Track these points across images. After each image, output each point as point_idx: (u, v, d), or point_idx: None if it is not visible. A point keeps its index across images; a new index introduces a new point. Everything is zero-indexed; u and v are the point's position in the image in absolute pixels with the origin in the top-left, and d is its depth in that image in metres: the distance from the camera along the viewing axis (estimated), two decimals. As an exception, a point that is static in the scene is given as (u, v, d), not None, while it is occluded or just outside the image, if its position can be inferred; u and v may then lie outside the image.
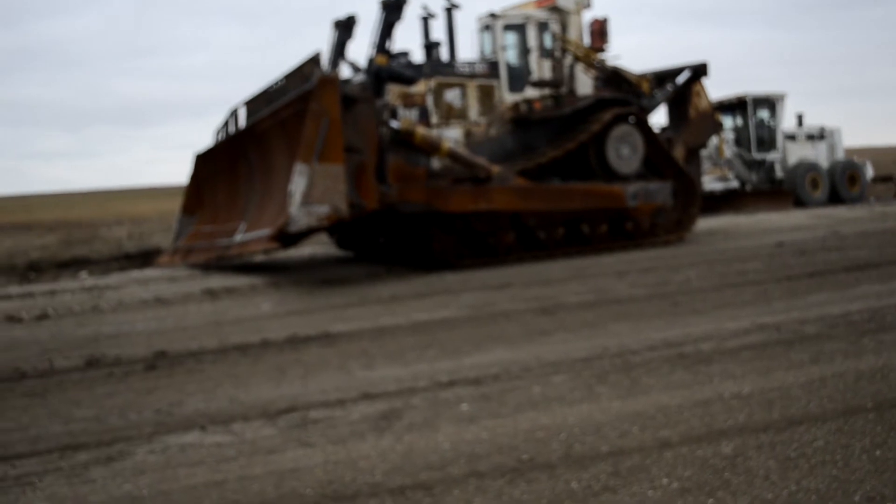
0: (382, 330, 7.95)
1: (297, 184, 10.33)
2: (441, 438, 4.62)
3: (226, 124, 14.24)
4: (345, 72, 14.30)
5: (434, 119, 13.37)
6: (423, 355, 6.79)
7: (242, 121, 13.62)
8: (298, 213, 10.30)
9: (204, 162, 15.19)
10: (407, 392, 5.63)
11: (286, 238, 10.75)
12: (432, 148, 12.34)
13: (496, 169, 12.98)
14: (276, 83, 12.51)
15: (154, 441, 4.89)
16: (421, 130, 12.22)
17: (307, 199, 10.34)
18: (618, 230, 14.29)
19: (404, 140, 12.11)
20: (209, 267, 13.17)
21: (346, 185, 10.72)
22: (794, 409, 4.86)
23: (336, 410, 5.29)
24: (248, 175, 13.50)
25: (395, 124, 11.99)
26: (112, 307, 10.19)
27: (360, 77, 13.48)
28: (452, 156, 12.54)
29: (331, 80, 10.78)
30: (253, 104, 13.33)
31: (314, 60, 11.31)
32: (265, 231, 11.41)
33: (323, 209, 10.47)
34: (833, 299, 8.44)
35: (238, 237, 12.61)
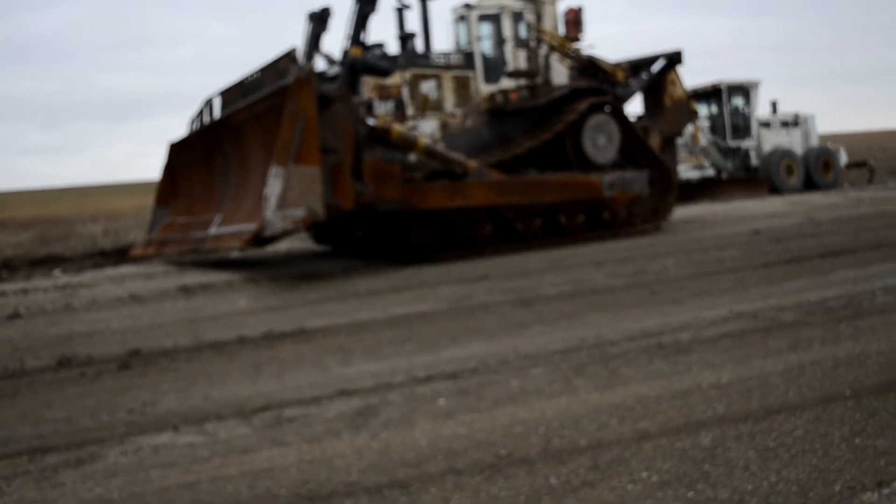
0: (359, 325, 7.88)
1: (273, 187, 10.21)
2: (418, 435, 4.57)
3: (200, 114, 14.06)
4: (320, 64, 14.18)
5: (410, 111, 13.27)
6: (401, 350, 6.73)
7: (217, 111, 13.44)
8: (274, 217, 10.17)
9: (178, 152, 14.95)
10: (384, 388, 5.57)
11: (261, 241, 10.62)
12: (409, 145, 12.25)
13: (473, 164, 12.91)
14: (252, 75, 12.36)
15: (126, 442, 4.81)
16: (397, 127, 12.11)
17: (283, 203, 10.22)
18: (595, 220, 14.27)
19: (380, 137, 12.01)
20: (185, 263, 13.01)
21: (322, 186, 10.61)
22: (773, 398, 4.85)
23: (311, 408, 5.22)
24: (223, 166, 13.32)
25: (371, 122, 11.87)
26: (85, 305, 10.04)
27: (336, 69, 13.37)
28: (429, 152, 12.45)
29: (307, 80, 10.63)
30: (228, 95, 13.16)
31: (290, 56, 11.16)
32: (240, 227, 11.28)
33: (298, 212, 10.36)
34: (810, 286, 8.47)
35: (213, 230, 12.43)
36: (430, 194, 12.41)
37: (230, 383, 6.00)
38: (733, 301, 7.85)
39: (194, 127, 14.30)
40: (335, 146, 11.09)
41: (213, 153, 13.49)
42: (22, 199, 70.52)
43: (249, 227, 10.86)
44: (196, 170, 14.24)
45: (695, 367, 5.60)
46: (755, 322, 6.90)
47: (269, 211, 10.15)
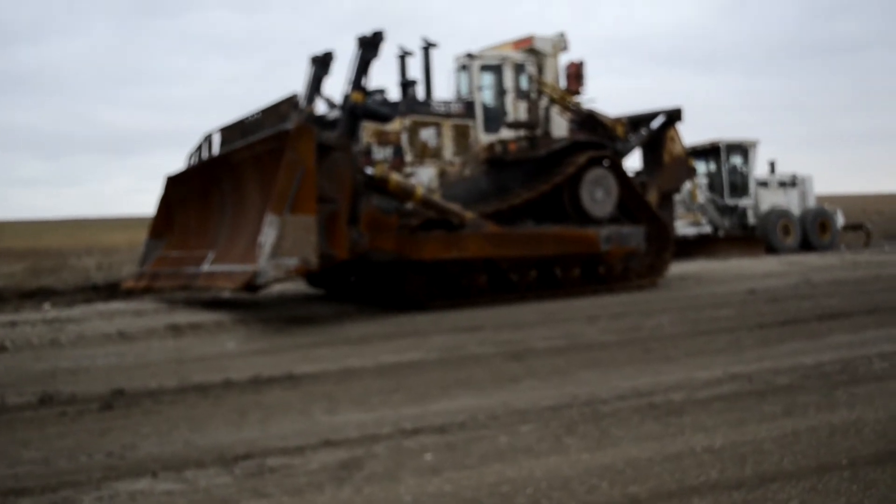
0: (348, 372, 7.77)
1: (267, 235, 10.16)
2: (402, 491, 4.44)
3: (199, 149, 14.05)
4: (321, 107, 14.23)
5: (408, 157, 13.27)
6: (389, 400, 6.61)
7: (216, 147, 13.43)
8: (267, 266, 10.11)
9: (175, 185, 14.93)
10: (370, 439, 5.44)
11: (253, 288, 10.52)
12: (406, 195, 12.18)
13: (469, 215, 12.86)
14: (253, 116, 12.38)
15: (102, 487, 4.66)
16: (395, 177, 12.07)
17: (276, 252, 10.16)
18: (590, 273, 14.22)
19: (378, 186, 11.96)
20: (176, 301, 12.92)
21: (317, 236, 10.56)
22: (767, 465, 4.73)
23: (295, 458, 5.08)
24: (220, 202, 13.29)
25: (369, 170, 11.83)
26: (72, 341, 9.93)
27: (336, 113, 13.40)
28: (426, 203, 12.39)
29: (307, 130, 10.62)
30: (228, 132, 13.16)
31: (291, 101, 11.18)
32: (233, 267, 11.23)
33: (292, 261, 10.30)
34: (805, 349, 8.38)
35: (205, 267, 12.36)
36: (426, 245, 12.35)
37: (213, 429, 5.87)
38: (728, 362, 7.75)
39: (192, 161, 14.29)
40: (332, 195, 11.05)
41: (210, 189, 13.47)
42: (17, 229, 70.37)
43: (242, 268, 10.80)
44: (192, 204, 14.21)
45: (688, 430, 5.48)
46: (750, 385, 6.79)
47: (263, 259, 10.08)
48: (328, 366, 8.03)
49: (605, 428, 5.59)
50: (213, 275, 11.86)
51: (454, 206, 12.72)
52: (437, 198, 12.61)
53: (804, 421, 5.64)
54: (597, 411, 6.05)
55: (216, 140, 13.48)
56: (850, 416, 5.72)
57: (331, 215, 11.03)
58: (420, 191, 12.27)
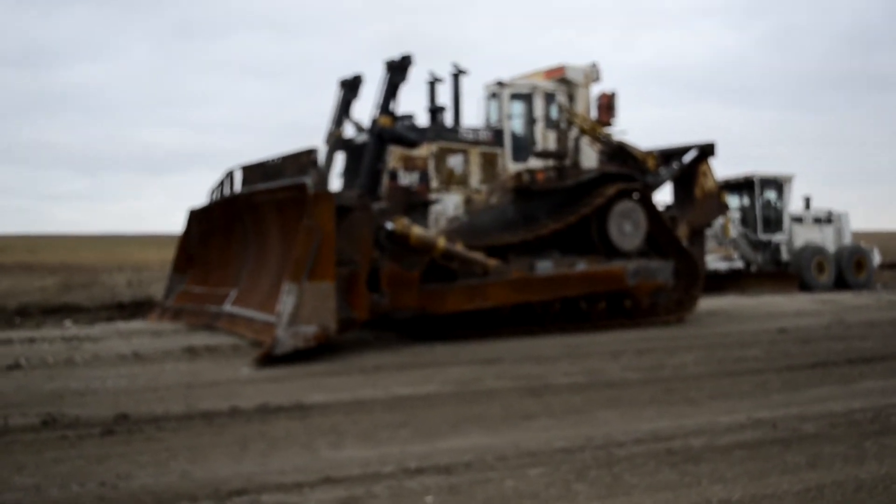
0: (359, 403, 7.56)
1: (286, 304, 10.00)
2: (398, 536, 4.23)
3: (221, 185, 14.02)
4: (349, 131, 14.17)
5: (434, 184, 13.12)
6: (396, 435, 6.39)
7: (238, 184, 13.37)
8: (285, 336, 9.93)
9: (198, 220, 14.97)
10: (371, 478, 5.23)
11: (272, 359, 10.28)
12: (428, 248, 11.84)
13: (493, 262, 12.61)
14: (274, 160, 12.27)
15: (89, 520, 4.51)
16: (416, 231, 11.77)
17: (294, 321, 9.98)
18: (616, 307, 13.94)
19: (399, 242, 11.77)
20: (196, 325, 12.85)
21: (336, 301, 10.38)
22: (787, 524, 4.47)
23: (291, 495, 4.89)
24: (242, 240, 13.29)
25: (389, 226, 11.62)
26: (87, 360, 9.86)
27: (364, 137, 13.30)
28: (448, 254, 12.10)
29: (326, 196, 10.45)
30: (249, 172, 13.06)
31: (311, 157, 10.98)
32: (253, 314, 11.37)
33: (311, 329, 10.12)
34: (835, 394, 8.06)
35: (227, 307, 12.40)
36: (449, 298, 12.11)
37: (212, 460, 5.69)
38: (753, 406, 7.46)
39: (214, 197, 14.28)
40: (352, 257, 10.85)
41: (232, 225, 13.50)
42: (53, 244, 71.34)
43: (262, 317, 10.90)
44: (214, 239, 14.28)
45: (705, 480, 5.22)
46: (774, 432, 6.50)
47: (281, 329, 9.92)
48: (339, 396, 7.85)
49: (618, 474, 5.34)
50: (235, 318, 11.89)
51: (477, 255, 12.44)
52: (459, 247, 12.33)
53: (829, 474, 5.36)
54: (611, 455, 5.80)
55: (237, 177, 13.42)
56: (880, 471, 5.43)
57: (350, 277, 10.82)
58: (442, 243, 11.94)
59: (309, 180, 10.33)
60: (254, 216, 12.58)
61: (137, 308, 16.34)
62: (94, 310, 16.30)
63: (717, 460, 5.68)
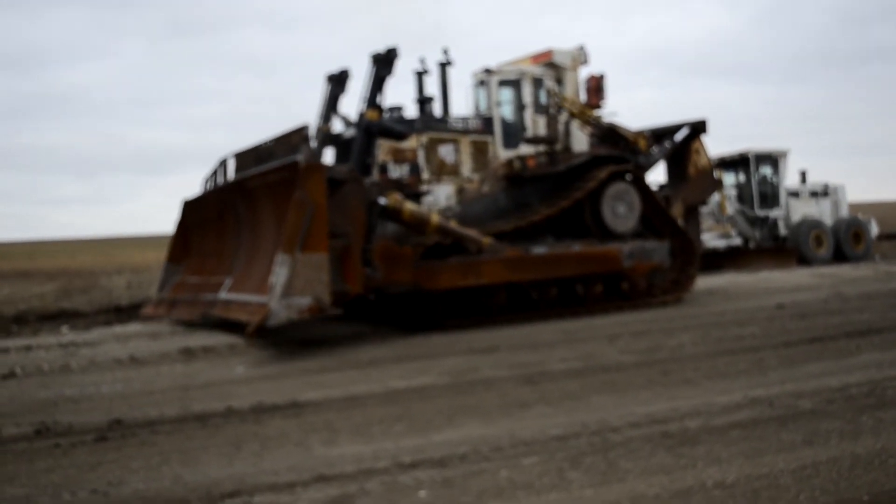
0: (353, 399, 7.52)
1: (279, 275, 9.96)
2: (390, 533, 4.20)
3: (214, 174, 13.98)
4: (337, 126, 14.09)
5: (425, 175, 13.06)
6: (390, 430, 6.35)
7: (231, 172, 13.35)
8: (278, 307, 9.90)
9: (192, 209, 14.90)
10: (364, 474, 5.20)
11: (266, 330, 10.26)
12: (421, 224, 11.87)
13: (487, 240, 12.57)
14: (266, 143, 12.25)
15: (80, 529, 4.48)
16: (409, 206, 11.77)
17: (288, 292, 9.94)
18: (613, 290, 13.89)
19: (392, 217, 11.75)
20: (194, 322, 12.82)
21: (330, 274, 10.35)
22: (783, 503, 4.43)
23: (283, 495, 4.86)
24: (235, 227, 13.21)
25: (382, 201, 11.60)
26: (83, 366, 9.82)
27: (352, 131, 13.23)
28: (442, 230, 12.09)
29: (316, 167, 10.41)
30: (242, 158, 13.06)
31: (302, 133, 10.97)
32: (248, 297, 11.16)
33: (304, 301, 10.08)
34: (831, 369, 8.03)
35: (223, 294, 12.30)
36: (443, 274, 12.08)
37: (205, 462, 5.66)
38: (749, 385, 7.43)
39: (208, 186, 14.23)
40: (345, 230, 10.84)
41: (226, 213, 13.40)
42: (52, 248, 71.30)
43: (257, 299, 10.68)
44: (209, 228, 14.16)
45: (700, 462, 5.19)
46: (770, 410, 6.47)
47: (274, 300, 9.88)
48: (333, 392, 7.81)
49: (612, 460, 5.31)
50: (230, 304, 11.78)
51: (471, 232, 12.43)
52: (453, 224, 12.32)
53: (825, 451, 5.33)
54: (606, 441, 5.77)
55: (231, 165, 13.39)
56: (875, 445, 5.41)
57: (344, 250, 10.81)
58: (435, 219, 11.97)
59: (300, 157, 10.29)
60: (247, 202, 12.50)
61: (135, 311, 16.30)
62: (92, 314, 16.23)
63: (714, 441, 5.65)
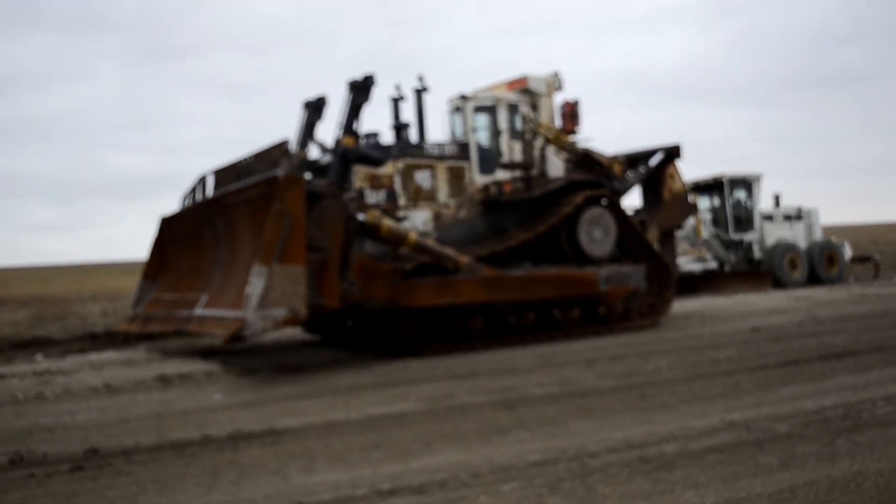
0: (332, 426, 7.49)
1: (255, 286, 9.94)
2: (369, 562, 4.18)
3: (193, 191, 13.92)
4: (313, 152, 14.11)
5: (402, 201, 13.10)
6: (369, 457, 6.34)
7: (210, 189, 13.30)
8: (254, 318, 9.87)
9: (169, 226, 14.78)
10: (343, 502, 5.17)
11: (240, 339, 10.26)
12: (399, 240, 11.95)
13: (465, 259, 12.60)
14: (246, 160, 12.25)
15: (55, 561, 4.42)
16: (387, 223, 11.84)
17: (263, 303, 9.93)
18: (590, 314, 13.95)
19: (370, 233, 11.77)
20: (170, 350, 12.72)
21: (306, 286, 10.34)
22: (759, 527, 4.47)
23: (261, 525, 4.84)
24: (213, 245, 13.12)
25: (360, 217, 11.63)
26: (57, 395, 9.70)
27: (328, 157, 13.25)
28: (419, 248, 12.13)
29: (295, 179, 10.45)
30: (221, 175, 13.02)
31: (282, 148, 10.99)
32: (224, 312, 11.04)
33: (280, 312, 10.06)
34: (807, 392, 8.11)
35: (198, 311, 12.17)
36: (419, 292, 12.09)
37: (182, 491, 5.61)
38: (726, 408, 7.48)
39: (186, 203, 14.15)
40: (322, 244, 10.85)
41: (203, 231, 13.31)
42: (26, 275, 70.55)
43: (233, 314, 10.60)
44: (186, 246, 14.05)
45: (678, 487, 5.21)
46: (747, 433, 6.52)
47: (250, 310, 9.86)
48: (312, 419, 7.77)
49: (591, 485, 5.32)
50: (205, 320, 11.66)
51: (449, 251, 12.48)
52: (431, 242, 12.38)
53: (802, 474, 5.38)
54: (585, 466, 5.78)
55: (210, 182, 13.35)
56: (851, 468, 5.46)
57: (321, 264, 10.81)
58: (413, 236, 12.03)
59: (280, 171, 10.30)
60: (225, 219, 12.44)
61: (110, 338, 16.15)
62: (67, 341, 16.06)
63: (691, 466, 5.68)
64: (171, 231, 14.74)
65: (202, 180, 13.58)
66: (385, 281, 11.72)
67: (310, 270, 10.48)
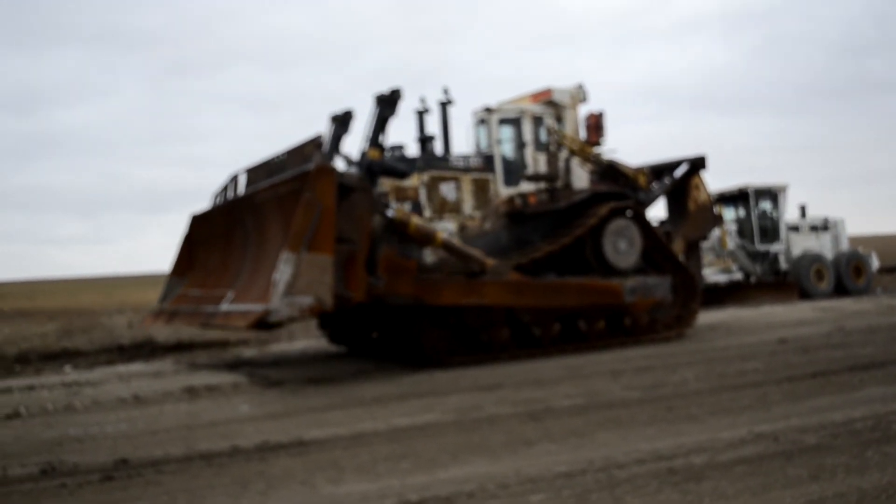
0: (359, 437, 7.53)
1: (283, 272, 9.98)
2: (398, 572, 4.20)
3: (224, 189, 14.00)
4: (339, 166, 14.17)
5: (427, 213, 13.16)
6: (396, 468, 6.36)
7: (242, 187, 13.38)
8: (280, 304, 9.91)
9: (199, 224, 14.85)
10: (371, 512, 5.21)
11: (266, 326, 10.31)
12: (426, 238, 12.02)
13: (491, 262, 12.64)
14: (279, 157, 12.33)
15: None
16: (416, 220, 11.90)
17: (290, 290, 9.96)
18: (615, 326, 13.91)
19: (398, 230, 11.83)
20: (197, 362, 12.80)
21: (334, 276, 10.38)
22: (789, 539, 4.44)
23: (291, 534, 4.87)
24: (242, 243, 13.15)
25: (389, 213, 11.71)
26: (86, 406, 9.82)
27: (354, 171, 13.32)
28: (447, 247, 12.21)
29: (327, 170, 10.55)
30: (253, 173, 13.10)
31: (315, 143, 11.09)
32: (249, 307, 11.06)
33: (306, 300, 10.09)
34: (836, 404, 8.04)
35: (224, 306, 12.16)
36: (445, 290, 12.10)
37: (211, 502, 5.66)
38: (753, 420, 7.43)
39: (217, 201, 14.23)
40: (351, 236, 10.89)
41: (233, 229, 13.35)
42: (53, 288, 71.35)
43: (257, 307, 10.64)
44: (215, 243, 14.10)
45: (707, 498, 5.20)
46: (775, 445, 6.48)
47: (276, 297, 9.89)
48: (339, 430, 7.81)
49: (619, 496, 5.32)
50: (230, 314, 11.66)
51: (475, 252, 12.50)
52: (458, 242, 12.40)
53: (831, 486, 5.34)
54: (612, 477, 5.77)
55: (242, 180, 13.44)
56: (882, 480, 5.41)
57: (349, 256, 10.85)
58: (441, 235, 12.06)
59: (311, 165, 10.37)
60: (255, 216, 12.47)
61: (137, 350, 16.31)
62: (94, 353, 16.27)
63: (719, 477, 5.65)
64: (201, 229, 14.79)
65: (234, 178, 13.66)
66: (411, 278, 11.75)
67: (337, 261, 10.50)
